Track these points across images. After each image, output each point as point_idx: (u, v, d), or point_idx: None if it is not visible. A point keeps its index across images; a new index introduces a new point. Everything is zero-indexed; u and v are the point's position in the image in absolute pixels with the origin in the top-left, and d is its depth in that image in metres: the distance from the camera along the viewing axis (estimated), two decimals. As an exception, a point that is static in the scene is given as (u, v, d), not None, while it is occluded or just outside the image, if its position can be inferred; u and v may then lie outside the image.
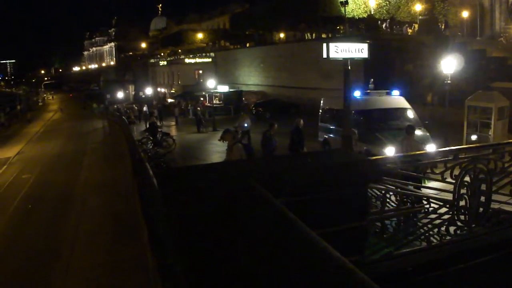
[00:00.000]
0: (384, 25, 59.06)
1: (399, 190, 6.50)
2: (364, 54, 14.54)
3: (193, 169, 5.94)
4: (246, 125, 24.67)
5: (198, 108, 46.69)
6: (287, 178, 4.89)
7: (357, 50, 14.36)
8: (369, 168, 5.60)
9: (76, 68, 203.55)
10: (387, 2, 65.25)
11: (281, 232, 3.24)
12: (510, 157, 7.22)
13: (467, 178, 6.63)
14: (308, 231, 3.22)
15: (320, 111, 25.12)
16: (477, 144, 7.37)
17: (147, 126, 34.78)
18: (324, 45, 14.25)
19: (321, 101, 25.72)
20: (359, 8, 61.08)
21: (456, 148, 6.89)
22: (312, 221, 4.87)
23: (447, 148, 6.85)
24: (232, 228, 3.35)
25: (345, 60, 14.28)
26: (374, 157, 6.47)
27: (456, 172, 6.53)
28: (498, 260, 6.81)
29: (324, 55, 14.32)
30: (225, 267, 2.77)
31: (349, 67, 14.51)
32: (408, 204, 6.92)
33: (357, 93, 21.30)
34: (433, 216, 6.74)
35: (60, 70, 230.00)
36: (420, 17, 61.12)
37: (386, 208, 6.51)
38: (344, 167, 5.27)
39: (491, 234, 7.17)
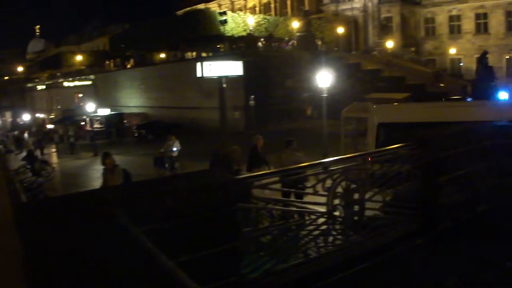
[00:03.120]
0: (266, 43, 60.33)
1: (271, 206, 6.48)
2: (239, 71, 14.62)
3: (58, 200, 5.56)
4: (175, 149, 23.75)
5: (70, 133, 45.26)
6: (152, 204, 4.69)
7: (232, 68, 14.42)
8: (238, 188, 5.51)
9: None
10: (266, 20, 66.69)
11: (135, 265, 3.03)
12: (380, 165, 7.42)
13: (340, 189, 6.71)
14: (164, 261, 3.04)
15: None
16: (347, 155, 7.46)
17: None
18: (198, 64, 14.20)
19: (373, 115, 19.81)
20: (238, 27, 61.95)
21: (327, 161, 6.97)
22: (181, 246, 4.71)
23: (317, 161, 6.91)
24: (84, 265, 3.09)
25: (220, 78, 14.30)
26: (242, 176, 6.41)
27: (329, 184, 6.59)
28: (376, 266, 6.93)
29: (199, 74, 14.25)
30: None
31: (224, 85, 14.54)
32: (288, 218, 6.91)
33: (504, 95, 20.07)
34: (310, 228, 6.75)
35: None
36: (297, 33, 63.00)
37: (264, 224, 6.45)
38: (211, 188, 5.15)
39: (368, 241, 7.29)
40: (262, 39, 63.20)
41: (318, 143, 21.59)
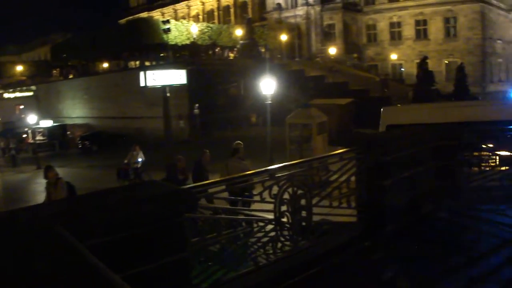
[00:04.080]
0: (212, 51, 60.36)
1: (218, 215, 6.44)
2: (183, 80, 14.50)
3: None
4: (140, 159, 22.91)
5: (11, 146, 43.97)
6: (96, 217, 4.57)
7: (175, 76, 14.29)
8: (184, 198, 5.44)
9: None
10: (209, 28, 66.65)
11: (79, 283, 2.92)
12: (325, 171, 7.47)
13: (287, 196, 6.71)
14: (111, 276, 2.94)
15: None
16: (293, 162, 7.47)
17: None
18: (141, 73, 14.00)
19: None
20: (182, 35, 61.66)
21: (273, 168, 6.96)
22: (128, 260, 4.60)
23: (263, 169, 6.90)
24: (22, 286, 2.96)
25: (163, 87, 14.15)
26: (189, 186, 6.34)
27: (275, 190, 6.58)
28: (325, 270, 6.95)
29: (142, 83, 14.07)
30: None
31: (168, 94, 14.41)
32: (236, 227, 6.86)
33: None
34: (259, 235, 6.73)
35: None
36: (241, 41, 63.16)
37: (212, 234, 6.39)
38: (157, 199, 5.06)
39: (316, 246, 7.31)
40: (218, 48, 63.19)
41: (263, 150, 21.65)
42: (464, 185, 10.68)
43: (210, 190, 6.16)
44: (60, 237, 3.79)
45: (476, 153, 11.98)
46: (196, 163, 16.08)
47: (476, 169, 11.80)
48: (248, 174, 6.98)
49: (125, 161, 22.63)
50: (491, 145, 11.89)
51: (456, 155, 10.30)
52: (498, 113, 16.44)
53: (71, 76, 72.44)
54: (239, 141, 16.19)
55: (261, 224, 6.81)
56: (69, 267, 3.25)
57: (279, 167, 7.06)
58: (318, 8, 69.80)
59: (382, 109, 19.35)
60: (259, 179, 6.74)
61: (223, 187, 6.42)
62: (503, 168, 11.70)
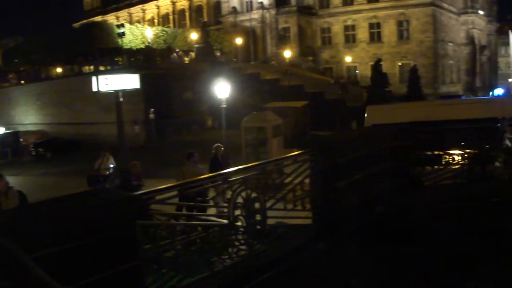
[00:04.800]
0: (170, 55, 59.91)
1: (172, 221, 6.34)
2: (136, 84, 14.30)
3: None
4: (111, 165, 21.83)
5: None
6: (44, 227, 4.43)
7: (129, 81, 14.08)
8: (135, 204, 5.33)
9: None
10: (164, 32, 66.20)
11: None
12: (278, 175, 7.46)
13: (241, 199, 6.67)
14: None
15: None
16: (246, 165, 7.43)
17: None
18: (94, 78, 13.77)
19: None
20: (136, 39, 61.05)
21: (226, 172, 6.92)
22: (78, 271, 4.47)
23: (216, 173, 6.85)
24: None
25: (116, 92, 13.93)
26: (141, 192, 6.20)
27: (229, 195, 6.53)
28: (281, 273, 6.93)
29: (95, 89, 13.81)
30: None
31: (121, 99, 14.20)
32: (190, 232, 6.78)
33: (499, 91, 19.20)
34: (213, 240, 6.66)
35: None
36: (196, 45, 62.92)
37: (166, 240, 6.29)
38: (107, 207, 4.94)
39: (272, 249, 7.28)
40: (179, 51, 62.59)
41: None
42: (418, 184, 10.85)
43: (160, 197, 6.06)
44: (3, 249, 3.65)
45: (429, 153, 12.19)
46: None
47: (429, 168, 12.01)
48: (202, 178, 6.90)
49: (95, 168, 21.84)
50: (445, 144, 12.11)
51: (410, 155, 10.45)
52: (481, 111, 16.84)
53: (22, 82, 70.83)
54: (218, 144, 16.16)
55: (215, 229, 6.75)
56: (12, 280, 3.13)
57: (233, 171, 7.02)
58: (273, 12, 70.07)
59: (366, 108, 19.81)
60: (212, 184, 6.68)
61: (175, 192, 6.31)
62: (456, 167, 11.93)
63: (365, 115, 18.70)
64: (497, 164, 12.00)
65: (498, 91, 24.86)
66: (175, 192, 6.33)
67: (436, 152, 12.26)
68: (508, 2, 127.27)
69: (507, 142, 12.14)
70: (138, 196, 5.84)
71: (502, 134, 12.03)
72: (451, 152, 12.13)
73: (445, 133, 13.01)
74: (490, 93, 25.18)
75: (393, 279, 6.90)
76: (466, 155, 11.78)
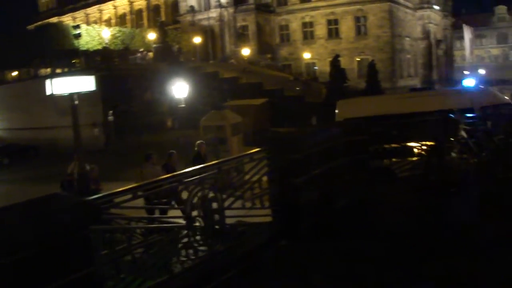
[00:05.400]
0: (138, 54, 59.27)
1: (127, 224, 6.25)
2: (91, 86, 14.01)
3: None
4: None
5: None
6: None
7: (84, 83, 13.81)
8: (87, 210, 5.21)
9: None
10: (122, 32, 65.45)
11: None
12: (236, 173, 7.42)
13: (198, 200, 6.61)
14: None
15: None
16: (201, 165, 7.37)
17: None
18: (47, 81, 13.43)
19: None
20: (93, 40, 60.10)
21: (181, 173, 6.84)
22: (30, 281, 4.34)
23: (170, 175, 6.76)
24: None
25: (71, 95, 13.65)
26: (95, 196, 6.07)
27: (186, 195, 6.47)
28: (243, 272, 6.90)
29: (48, 92, 13.49)
30: None
31: (76, 102, 13.90)
32: (147, 235, 6.69)
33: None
34: (171, 243, 6.59)
35: None
36: (154, 45, 62.36)
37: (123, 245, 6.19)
38: (58, 214, 4.80)
39: (232, 249, 7.25)
40: (143, 50, 61.74)
41: (180, 155, 21.32)
42: (375, 177, 10.95)
43: (119, 199, 5.97)
44: None
45: (387, 146, 12.32)
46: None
47: (387, 161, 12.15)
48: (158, 180, 6.80)
49: (68, 172, 20.80)
50: (403, 137, 12.25)
51: (367, 149, 10.53)
52: (451, 102, 16.56)
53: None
54: (202, 141, 15.91)
55: (174, 230, 6.68)
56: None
57: (189, 171, 6.94)
58: (231, 10, 69.97)
59: (337, 103, 19.54)
60: (168, 185, 6.60)
61: (130, 195, 6.18)
62: (414, 159, 12.09)
63: (336, 110, 18.70)
64: (453, 155, 12.20)
65: (468, 82, 25.26)
66: (130, 195, 6.21)
67: (395, 145, 12.40)
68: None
69: (463, 133, 12.31)
70: (91, 201, 5.72)
71: (457, 126, 12.20)
72: (410, 144, 12.30)
73: (408, 125, 13.11)
74: (461, 83, 25.80)
75: (353, 272, 6.93)
76: (424, 147, 11.96)
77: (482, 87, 26.33)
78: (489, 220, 8.55)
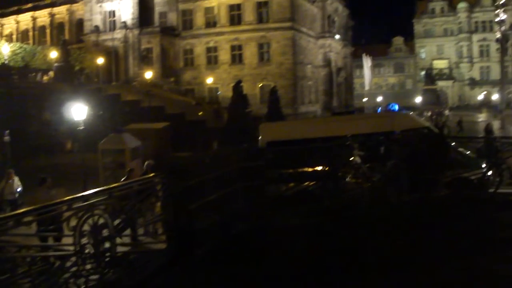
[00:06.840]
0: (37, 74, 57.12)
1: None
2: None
3: None
4: (19, 189, 17.90)
5: None
6: None
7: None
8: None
9: None
10: (23, 49, 63.21)
11: None
12: (128, 199, 7.33)
13: (88, 227, 6.45)
14: None
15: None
16: (92, 191, 7.22)
17: None
18: None
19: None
20: (-9, 55, 57.57)
21: (70, 198, 6.65)
22: None
23: (59, 200, 6.55)
24: None
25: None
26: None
27: (75, 222, 6.30)
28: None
29: None
30: None
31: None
32: (32, 264, 6.42)
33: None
34: (59, 272, 6.37)
35: None
36: (56, 64, 60.53)
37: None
38: None
39: (125, 277, 7.12)
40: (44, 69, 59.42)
41: (79, 178, 20.76)
42: (272, 201, 11.13)
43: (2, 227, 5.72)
44: None
45: (283, 171, 12.57)
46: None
47: (283, 186, 12.38)
48: (45, 206, 6.53)
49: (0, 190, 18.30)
50: (301, 162, 12.54)
51: (262, 175, 10.69)
52: (375, 126, 16.74)
53: None
54: (150, 161, 15.06)
55: (62, 259, 6.48)
56: None
57: (78, 197, 6.77)
58: (136, 32, 69.25)
59: (259, 127, 19.17)
60: (57, 211, 6.40)
61: (11, 222, 5.93)
62: (310, 183, 12.39)
63: (260, 134, 18.37)
64: (348, 180, 12.61)
65: (392, 107, 26.47)
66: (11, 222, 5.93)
67: (292, 170, 12.67)
68: (361, 28, 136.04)
69: (357, 159, 12.74)
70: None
71: (350, 151, 12.62)
72: (307, 169, 12.60)
73: (310, 150, 13.37)
74: (386, 108, 26.95)
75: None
76: (321, 172, 12.30)
77: (404, 111, 27.60)
78: (380, 243, 8.88)
